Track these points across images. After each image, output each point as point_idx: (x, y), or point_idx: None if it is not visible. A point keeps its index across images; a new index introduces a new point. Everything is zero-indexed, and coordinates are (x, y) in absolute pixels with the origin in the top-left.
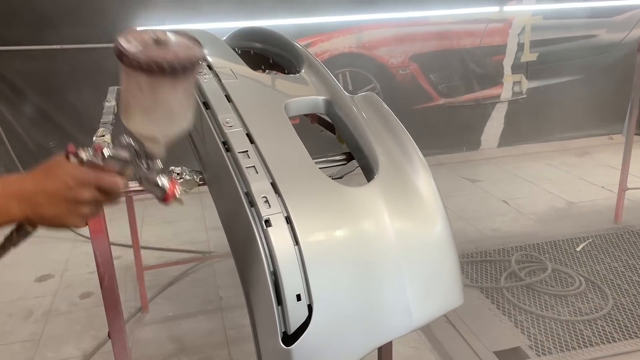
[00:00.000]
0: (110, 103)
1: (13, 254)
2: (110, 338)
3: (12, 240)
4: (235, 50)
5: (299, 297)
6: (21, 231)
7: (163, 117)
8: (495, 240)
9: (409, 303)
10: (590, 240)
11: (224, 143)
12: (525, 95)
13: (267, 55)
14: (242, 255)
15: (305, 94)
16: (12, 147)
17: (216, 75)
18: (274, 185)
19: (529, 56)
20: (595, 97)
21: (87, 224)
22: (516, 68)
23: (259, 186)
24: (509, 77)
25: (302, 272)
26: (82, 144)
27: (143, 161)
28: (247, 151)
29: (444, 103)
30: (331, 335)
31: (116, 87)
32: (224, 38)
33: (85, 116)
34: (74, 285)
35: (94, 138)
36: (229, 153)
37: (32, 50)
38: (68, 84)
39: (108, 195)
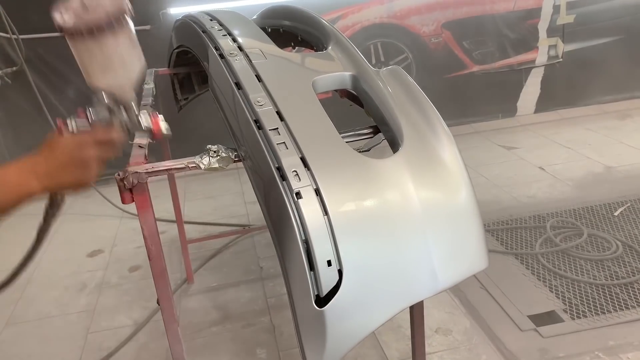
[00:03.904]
0: (149, 85)
1: (66, 232)
2: (159, 305)
3: (49, 214)
4: (265, 29)
5: (329, 263)
6: (53, 204)
7: (119, 66)
8: (531, 207)
9: (435, 266)
10: (629, 204)
11: (256, 121)
12: (561, 59)
13: (295, 32)
14: (276, 226)
15: (332, 71)
16: None
17: (246, 56)
18: (303, 159)
19: (565, 18)
20: (636, 57)
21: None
22: (552, 31)
23: (290, 161)
24: (544, 41)
25: (332, 239)
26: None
27: (122, 111)
28: (277, 128)
29: (478, 70)
30: (360, 297)
31: (153, 70)
32: (254, 17)
33: None
34: (123, 260)
35: None
36: (260, 131)
37: None
38: None
39: (108, 145)
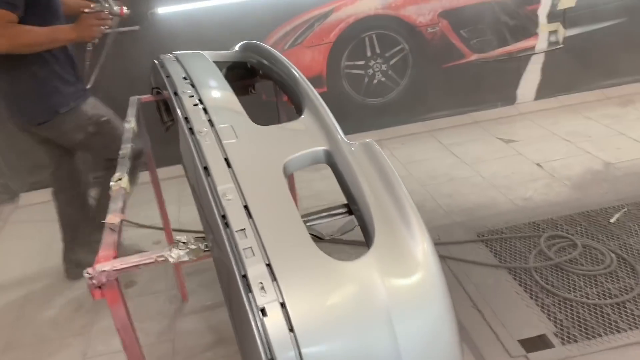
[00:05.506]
0: (130, 124)
1: (60, 245)
2: None
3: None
4: (245, 64)
5: None
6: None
7: None
8: (526, 212)
9: None
10: (626, 209)
11: (223, 217)
12: (562, 45)
13: (274, 78)
14: (241, 339)
15: (304, 147)
16: None
17: (217, 134)
18: (269, 266)
19: (566, 2)
20: (638, 39)
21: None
22: (552, 17)
23: (256, 270)
24: (544, 27)
25: (298, 357)
26: None
27: (106, 3)
28: (244, 229)
29: (477, 59)
30: None
31: (137, 98)
32: (235, 48)
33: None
34: None
35: (112, 183)
36: (227, 229)
37: None
38: None
39: (103, 20)
